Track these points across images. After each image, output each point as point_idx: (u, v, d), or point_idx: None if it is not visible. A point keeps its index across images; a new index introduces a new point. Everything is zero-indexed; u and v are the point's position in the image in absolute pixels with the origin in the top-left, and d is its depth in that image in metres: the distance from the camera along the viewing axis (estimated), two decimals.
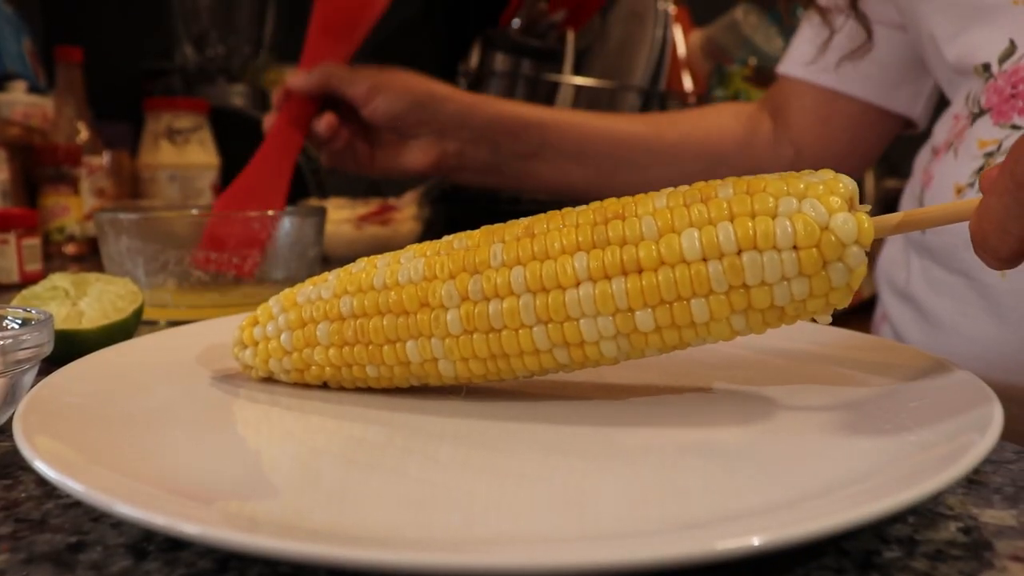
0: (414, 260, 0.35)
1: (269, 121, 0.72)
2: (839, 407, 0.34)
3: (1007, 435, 0.30)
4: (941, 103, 0.69)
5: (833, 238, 0.30)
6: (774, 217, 0.30)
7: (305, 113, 0.71)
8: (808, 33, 0.70)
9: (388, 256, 0.37)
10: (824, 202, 0.30)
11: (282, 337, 0.37)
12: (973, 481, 0.29)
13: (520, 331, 0.33)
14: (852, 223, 0.30)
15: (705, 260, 0.31)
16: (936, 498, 0.28)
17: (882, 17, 0.64)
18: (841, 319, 0.36)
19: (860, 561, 0.24)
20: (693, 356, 0.42)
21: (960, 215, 0.32)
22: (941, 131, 0.58)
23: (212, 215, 0.65)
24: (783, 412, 0.34)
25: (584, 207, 0.34)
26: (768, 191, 0.31)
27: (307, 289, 0.38)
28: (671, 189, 0.33)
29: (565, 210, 0.34)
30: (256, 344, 0.38)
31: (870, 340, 0.43)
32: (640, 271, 0.32)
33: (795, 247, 0.30)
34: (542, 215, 0.35)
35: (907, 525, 0.26)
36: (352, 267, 0.37)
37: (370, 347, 0.35)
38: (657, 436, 0.33)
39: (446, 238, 0.36)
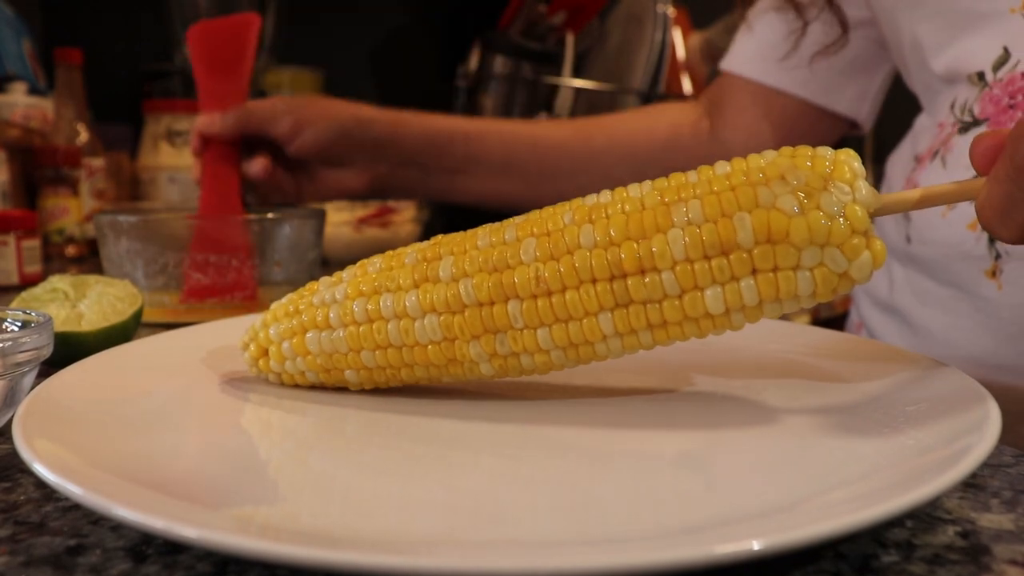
0: (428, 317, 0.34)
1: (197, 172, 0.71)
2: (837, 411, 0.34)
3: (1005, 439, 0.30)
4: (901, 106, 0.68)
5: (849, 281, 0.31)
6: (796, 270, 0.31)
7: (230, 157, 0.69)
8: (757, 29, 0.70)
9: (379, 279, 0.36)
10: (846, 251, 0.30)
11: (307, 375, 0.38)
12: (971, 485, 0.29)
13: (553, 368, 0.35)
14: (868, 263, 0.30)
15: (728, 311, 0.32)
16: (934, 502, 0.28)
17: (828, 20, 0.63)
18: (828, 324, 0.36)
19: (858, 565, 0.24)
20: (692, 360, 0.42)
21: (968, 194, 0.32)
22: (923, 139, 0.57)
23: (194, 229, 0.62)
24: (781, 416, 0.34)
25: (590, 234, 0.32)
26: (791, 240, 0.30)
27: (312, 334, 0.37)
28: (687, 226, 0.31)
29: (567, 231, 0.33)
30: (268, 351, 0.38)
31: (867, 343, 0.43)
32: (665, 324, 0.33)
33: (813, 292, 0.31)
34: (542, 235, 0.33)
35: (905, 529, 0.26)
36: (350, 301, 0.36)
37: (403, 373, 0.37)
38: (656, 440, 0.33)
39: (431, 256, 0.35)
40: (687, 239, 0.31)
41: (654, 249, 0.31)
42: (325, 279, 0.38)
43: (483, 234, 0.35)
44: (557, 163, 0.76)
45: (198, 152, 0.70)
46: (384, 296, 0.35)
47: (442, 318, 0.34)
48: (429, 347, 0.35)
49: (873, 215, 0.31)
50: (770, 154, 0.32)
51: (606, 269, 0.32)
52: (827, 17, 0.62)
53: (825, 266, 0.30)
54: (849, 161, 0.31)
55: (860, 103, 0.69)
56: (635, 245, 0.31)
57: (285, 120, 0.70)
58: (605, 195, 0.34)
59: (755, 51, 0.71)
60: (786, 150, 0.32)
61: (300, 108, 0.71)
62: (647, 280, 0.31)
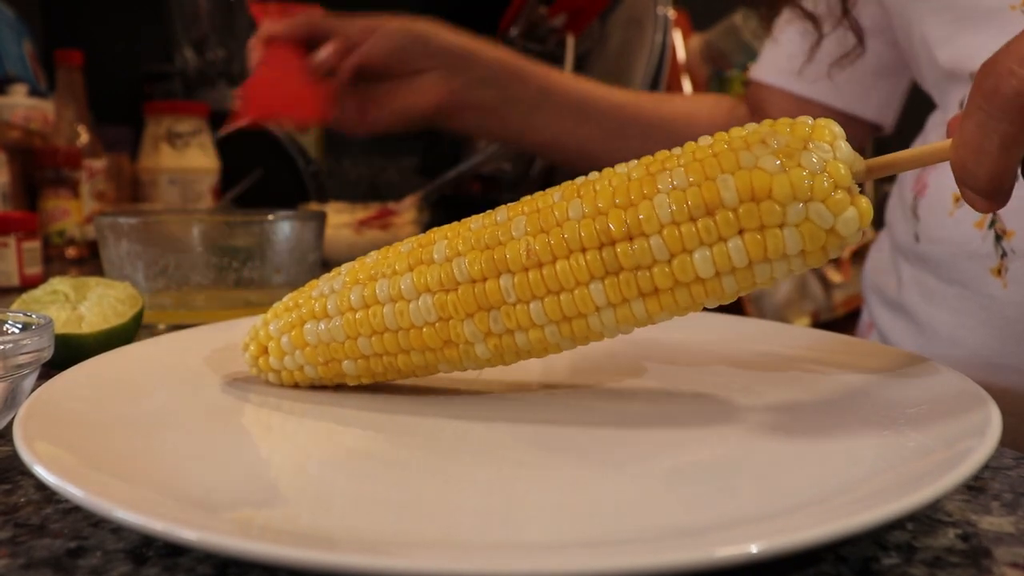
0: (423, 297, 0.35)
1: (254, 57, 0.67)
2: (837, 413, 0.34)
3: (1006, 441, 0.30)
4: (914, 106, 0.69)
5: (837, 238, 0.31)
6: (782, 227, 0.30)
7: (293, 55, 0.65)
8: (784, 39, 0.70)
9: (375, 267, 0.36)
10: (830, 205, 0.30)
11: (306, 370, 0.38)
12: (972, 487, 0.29)
13: (548, 348, 0.35)
14: (855, 219, 0.30)
15: (719, 275, 0.32)
16: (935, 505, 0.28)
17: (844, 31, 0.63)
18: (828, 327, 0.36)
19: (858, 568, 0.24)
20: (692, 362, 0.42)
21: (941, 155, 0.32)
22: (933, 137, 0.58)
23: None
24: (781, 418, 0.34)
25: (578, 207, 0.33)
26: (775, 197, 0.30)
27: (310, 324, 0.37)
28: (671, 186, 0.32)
29: (556, 207, 0.33)
30: (269, 352, 0.39)
31: (866, 345, 0.43)
32: (657, 292, 0.33)
33: (802, 252, 0.31)
34: (532, 212, 0.34)
35: (905, 532, 0.26)
36: (347, 290, 0.36)
37: (399, 361, 0.37)
38: (655, 442, 0.33)
39: (425, 242, 0.36)
40: (672, 203, 0.31)
41: (641, 215, 0.31)
42: (325, 275, 0.39)
43: (477, 218, 0.36)
44: (633, 119, 0.74)
45: (258, 56, 0.67)
46: (380, 282, 0.36)
47: (435, 297, 0.35)
48: (424, 329, 0.35)
49: (858, 177, 0.31)
50: (751, 125, 0.32)
51: (595, 238, 0.32)
52: (843, 28, 0.63)
53: (811, 221, 0.30)
54: (829, 125, 0.31)
55: (887, 108, 0.69)
56: (622, 213, 0.32)
57: (354, 24, 0.66)
58: (594, 174, 0.34)
59: (782, 60, 0.71)
60: (766, 120, 0.32)
61: (370, 17, 0.68)
62: (635, 246, 0.32)
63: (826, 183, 0.30)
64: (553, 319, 0.34)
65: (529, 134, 0.74)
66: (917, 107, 0.67)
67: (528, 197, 0.35)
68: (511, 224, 0.34)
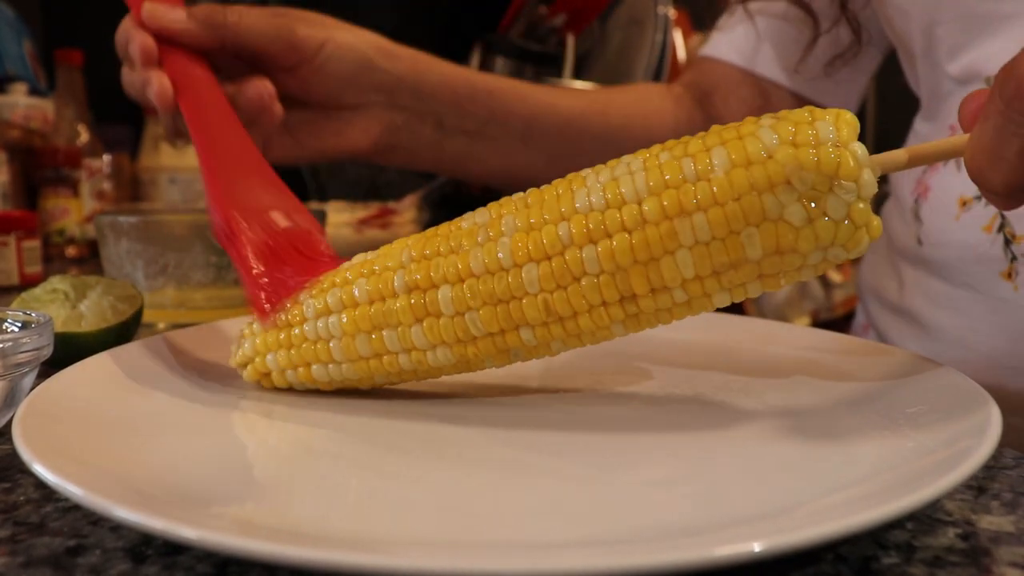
0: (440, 349, 0.35)
1: (154, 91, 0.49)
2: (837, 412, 0.34)
3: (1015, 444, 0.30)
4: (903, 106, 0.68)
5: (846, 261, 0.32)
6: (801, 268, 0.31)
7: (206, 79, 0.48)
8: (748, 19, 0.68)
9: (374, 316, 0.35)
10: (849, 246, 0.30)
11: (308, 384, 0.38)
12: (972, 487, 0.29)
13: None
14: (865, 244, 0.31)
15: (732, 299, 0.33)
16: (934, 504, 0.28)
17: (830, 11, 0.62)
18: (828, 326, 0.37)
19: (858, 567, 0.24)
20: (691, 361, 0.42)
21: (956, 150, 0.31)
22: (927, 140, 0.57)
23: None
24: (781, 417, 0.34)
25: (594, 259, 0.32)
26: (799, 249, 0.30)
27: (318, 367, 0.36)
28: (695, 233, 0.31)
29: (568, 254, 0.32)
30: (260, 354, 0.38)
31: (866, 344, 0.42)
32: (672, 316, 0.33)
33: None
34: (538, 252, 0.32)
35: (905, 531, 0.26)
36: (351, 339, 0.35)
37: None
38: (655, 441, 0.33)
39: (423, 284, 0.34)
40: (696, 261, 0.31)
41: (664, 274, 0.32)
42: (306, 299, 0.36)
43: (471, 249, 0.33)
44: (579, 138, 0.69)
45: (150, 60, 0.49)
46: (387, 332, 0.35)
47: (454, 348, 0.34)
48: (445, 368, 0.36)
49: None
50: (769, 137, 0.30)
51: (616, 293, 0.32)
52: (830, 19, 0.62)
53: (827, 261, 0.31)
54: (854, 150, 0.30)
55: (850, 98, 0.69)
56: (644, 270, 0.32)
57: (286, 37, 0.51)
58: (597, 193, 0.32)
59: (740, 41, 0.69)
60: (784, 130, 0.30)
61: (303, 22, 0.53)
62: (658, 297, 0.32)
63: (848, 227, 0.30)
64: (571, 347, 0.35)
65: (469, 164, 0.67)
66: (905, 106, 0.66)
67: (524, 213, 0.33)
68: (522, 275, 0.32)
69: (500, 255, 0.33)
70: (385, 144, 0.62)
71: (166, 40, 0.49)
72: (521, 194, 0.35)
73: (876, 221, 0.30)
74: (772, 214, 0.30)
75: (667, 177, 0.31)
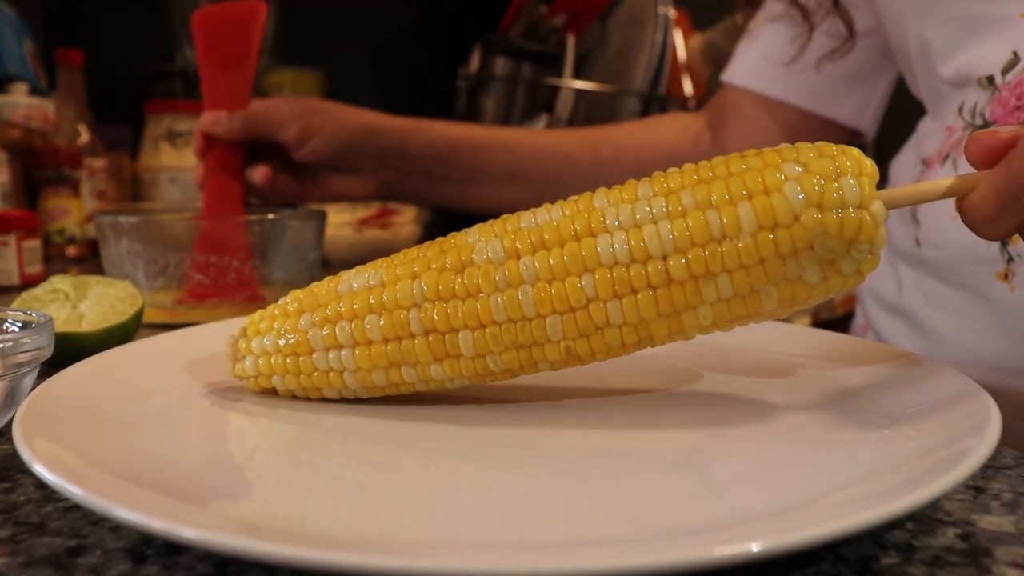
0: (459, 379, 0.35)
1: (200, 173, 0.71)
2: (837, 412, 0.34)
3: (1014, 445, 0.30)
4: (903, 111, 0.68)
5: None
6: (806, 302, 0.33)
7: (233, 159, 0.69)
8: (759, 40, 0.70)
9: (388, 352, 0.34)
10: (851, 284, 0.32)
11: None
12: (971, 487, 0.29)
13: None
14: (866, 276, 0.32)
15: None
16: (934, 504, 0.28)
17: (832, 27, 0.63)
18: (828, 326, 0.38)
19: (858, 567, 0.24)
20: (693, 361, 0.42)
21: (961, 192, 0.33)
22: (928, 142, 0.57)
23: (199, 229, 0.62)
24: (781, 417, 0.34)
25: (618, 312, 0.32)
26: (811, 301, 0.32)
27: (329, 391, 0.36)
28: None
29: (592, 308, 0.32)
30: (257, 355, 0.37)
31: (867, 345, 0.43)
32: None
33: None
34: (567, 315, 0.33)
35: (905, 531, 0.26)
36: (367, 374, 0.35)
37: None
38: (656, 441, 0.33)
39: (435, 310, 0.33)
40: (716, 313, 0.32)
41: (684, 323, 0.33)
42: (308, 327, 0.35)
43: (491, 295, 0.33)
44: (562, 173, 0.77)
45: (201, 153, 0.70)
46: (405, 368, 0.35)
47: (472, 379, 0.35)
48: (458, 387, 0.36)
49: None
50: (795, 195, 0.30)
51: (636, 338, 0.33)
52: (831, 24, 0.62)
53: (832, 295, 0.33)
54: (874, 212, 0.30)
55: (863, 113, 0.69)
56: (666, 321, 0.33)
57: (292, 127, 0.70)
58: (620, 242, 0.31)
59: (757, 62, 0.71)
60: (810, 187, 0.30)
61: (308, 115, 0.71)
62: (673, 337, 0.34)
63: (856, 277, 0.32)
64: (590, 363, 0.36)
65: (460, 202, 0.80)
66: (906, 111, 0.66)
67: (541, 250, 0.33)
68: (546, 325, 0.33)
69: (523, 305, 0.33)
70: (382, 193, 0.78)
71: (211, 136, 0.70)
72: (530, 215, 0.34)
73: (877, 261, 0.32)
74: (792, 275, 0.31)
75: (693, 234, 0.31)
